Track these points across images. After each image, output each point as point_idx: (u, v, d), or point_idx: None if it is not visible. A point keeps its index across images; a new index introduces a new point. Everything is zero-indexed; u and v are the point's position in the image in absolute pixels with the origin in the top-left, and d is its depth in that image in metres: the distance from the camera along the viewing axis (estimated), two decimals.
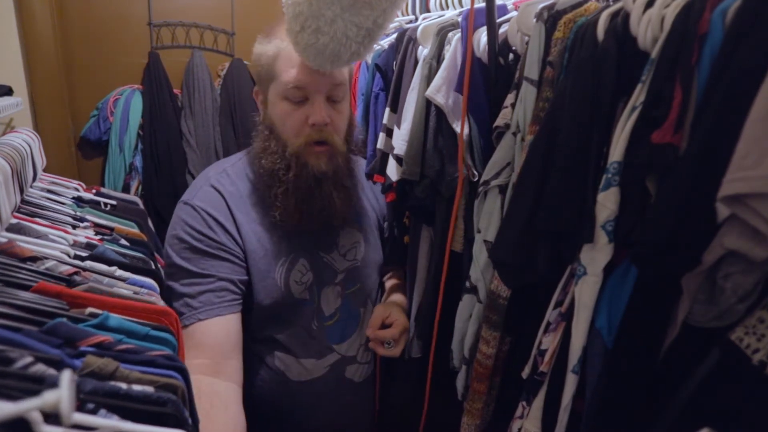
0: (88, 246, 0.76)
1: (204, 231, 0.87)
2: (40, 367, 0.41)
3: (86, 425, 0.39)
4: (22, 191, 0.81)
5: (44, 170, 1.04)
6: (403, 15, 1.23)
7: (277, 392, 0.93)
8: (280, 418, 0.94)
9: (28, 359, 0.40)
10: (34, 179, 0.93)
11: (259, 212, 0.92)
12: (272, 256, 0.91)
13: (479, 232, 0.78)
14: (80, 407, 0.40)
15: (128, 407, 0.43)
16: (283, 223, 0.90)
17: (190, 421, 0.48)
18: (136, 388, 0.45)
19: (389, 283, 1.14)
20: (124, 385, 0.44)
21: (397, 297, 1.07)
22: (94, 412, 0.40)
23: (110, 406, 0.42)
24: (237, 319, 0.88)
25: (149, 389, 0.46)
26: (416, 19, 1.17)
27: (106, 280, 0.67)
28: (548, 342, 0.65)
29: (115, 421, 0.40)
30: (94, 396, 0.42)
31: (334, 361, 0.96)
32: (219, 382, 0.82)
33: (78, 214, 0.91)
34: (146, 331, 0.57)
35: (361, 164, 1.07)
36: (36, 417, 0.34)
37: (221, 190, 0.91)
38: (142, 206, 1.19)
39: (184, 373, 0.53)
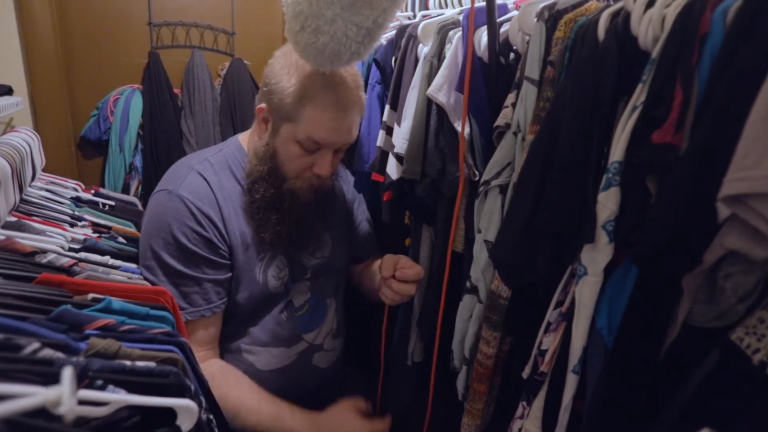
0: (84, 242, 0.77)
1: (195, 228, 0.85)
2: (48, 352, 0.43)
3: (97, 401, 0.42)
4: (21, 190, 0.81)
5: (44, 170, 1.04)
6: (402, 12, 1.23)
7: (269, 396, 0.94)
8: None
9: (36, 345, 0.43)
10: (33, 178, 0.93)
11: (245, 212, 0.92)
12: (254, 252, 0.92)
13: (480, 232, 0.78)
14: (89, 384, 0.43)
15: (134, 381, 0.46)
16: (263, 230, 0.92)
17: (192, 387, 0.52)
18: (140, 364, 0.48)
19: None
20: (128, 362, 0.48)
21: None
22: (102, 388, 0.43)
23: (117, 382, 0.45)
24: (219, 317, 0.91)
25: (152, 364, 0.49)
26: (415, 16, 1.17)
27: (101, 269, 0.71)
28: (549, 342, 0.65)
29: (123, 395, 0.44)
30: (101, 373, 0.44)
31: (303, 349, 1.00)
32: (211, 363, 0.89)
33: (76, 213, 0.91)
34: (146, 311, 0.61)
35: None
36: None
37: (208, 179, 0.90)
38: (140, 207, 1.19)
39: (183, 347, 0.57)
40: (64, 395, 0.35)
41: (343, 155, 0.96)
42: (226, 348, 0.97)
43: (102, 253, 0.75)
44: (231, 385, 0.87)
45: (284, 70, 0.87)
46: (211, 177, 0.91)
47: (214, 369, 0.88)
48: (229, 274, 0.90)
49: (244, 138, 1.01)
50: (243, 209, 0.92)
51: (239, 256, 0.90)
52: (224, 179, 0.92)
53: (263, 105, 0.91)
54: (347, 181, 1.14)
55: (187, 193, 0.86)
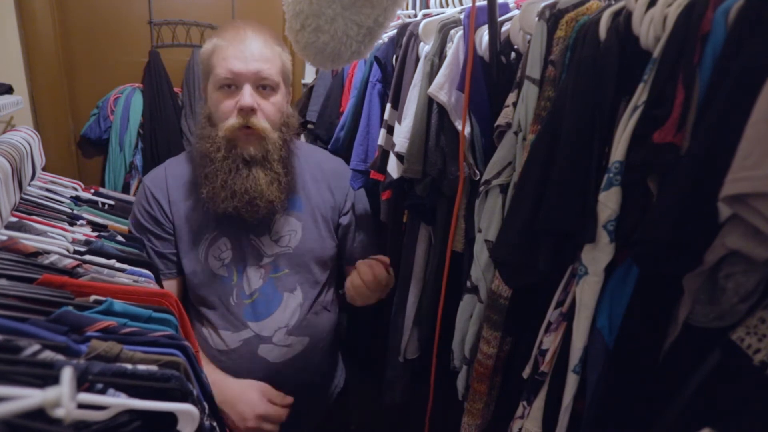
0: (87, 243, 0.77)
1: (146, 207, 1.01)
2: (48, 354, 0.43)
3: (97, 404, 0.41)
4: (21, 189, 0.81)
5: (45, 169, 1.04)
6: (403, 11, 1.23)
7: (205, 357, 1.01)
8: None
9: (36, 347, 0.43)
10: (33, 177, 0.93)
11: (194, 193, 1.02)
12: (197, 232, 1.01)
13: (480, 231, 0.77)
14: (89, 388, 0.42)
15: (135, 385, 0.45)
16: (209, 202, 0.96)
17: (194, 393, 0.51)
18: (141, 367, 0.48)
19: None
20: (129, 366, 0.47)
21: None
22: (103, 392, 0.43)
23: (118, 385, 0.44)
24: (173, 284, 1.02)
25: (153, 368, 0.49)
26: (416, 15, 1.17)
27: (106, 271, 0.70)
28: (549, 342, 0.65)
29: (123, 399, 0.43)
30: (102, 377, 0.44)
31: (248, 337, 1.01)
32: None
33: (75, 212, 0.91)
34: (149, 313, 0.60)
35: (321, 159, 1.11)
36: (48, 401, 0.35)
37: (167, 170, 1.05)
38: None
39: (186, 350, 0.57)
40: (63, 396, 0.35)
41: (277, 97, 0.98)
42: (191, 322, 1.00)
43: (108, 256, 0.75)
44: None
45: (204, 45, 1.01)
46: (172, 167, 1.06)
47: None
48: (173, 250, 1.01)
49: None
50: (191, 187, 1.02)
51: (183, 235, 1.01)
52: (186, 170, 1.05)
53: (202, 84, 1.04)
54: (341, 176, 1.11)
55: (148, 181, 1.04)
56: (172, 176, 1.04)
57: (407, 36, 0.96)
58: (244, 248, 1.01)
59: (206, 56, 0.98)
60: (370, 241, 1.14)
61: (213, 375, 0.96)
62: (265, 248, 1.02)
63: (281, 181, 0.99)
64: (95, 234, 0.84)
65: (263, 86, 0.96)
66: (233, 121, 0.94)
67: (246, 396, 0.95)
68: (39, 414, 0.35)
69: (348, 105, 1.25)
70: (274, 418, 0.95)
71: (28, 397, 0.34)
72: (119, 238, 0.89)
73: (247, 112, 0.93)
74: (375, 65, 1.10)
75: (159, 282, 0.80)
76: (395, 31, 1.06)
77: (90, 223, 0.90)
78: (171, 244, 1.01)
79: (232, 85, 0.94)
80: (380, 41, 1.12)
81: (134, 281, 0.71)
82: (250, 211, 0.96)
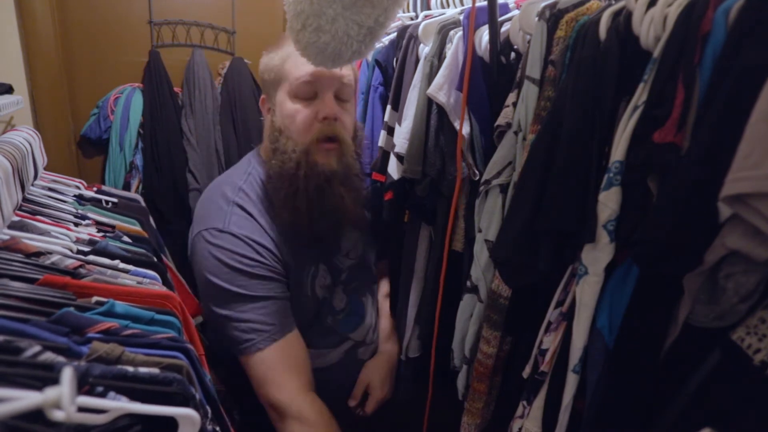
0: (91, 243, 0.76)
1: (253, 257, 0.86)
2: (49, 355, 0.42)
3: (96, 408, 0.41)
4: (23, 189, 0.81)
5: (45, 168, 1.04)
6: (404, 12, 1.23)
7: None
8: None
9: (37, 348, 0.42)
10: (35, 177, 0.93)
11: (284, 227, 0.91)
12: (301, 267, 0.93)
13: (480, 231, 0.78)
14: (90, 391, 0.42)
15: (136, 388, 0.45)
16: (292, 225, 0.88)
17: (197, 396, 0.50)
18: (143, 370, 0.47)
19: (383, 302, 1.17)
20: (131, 368, 0.46)
21: (386, 343, 1.11)
22: (103, 394, 0.42)
23: (118, 389, 0.43)
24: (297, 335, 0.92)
25: (155, 370, 0.48)
26: (417, 16, 1.17)
27: (110, 272, 0.69)
28: (549, 342, 0.65)
29: (123, 403, 0.42)
30: (102, 380, 0.43)
31: (349, 346, 1.03)
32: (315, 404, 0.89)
33: (79, 212, 0.91)
34: (151, 315, 0.59)
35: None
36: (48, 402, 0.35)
37: (250, 211, 0.90)
38: (143, 204, 1.19)
39: (188, 353, 0.55)
40: (63, 398, 0.34)
41: (351, 107, 0.93)
42: None
43: (112, 257, 0.73)
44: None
45: (269, 55, 0.93)
46: (251, 208, 0.91)
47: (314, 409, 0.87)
48: (288, 293, 0.91)
49: (261, 149, 1.00)
50: (284, 226, 0.91)
51: (291, 274, 0.91)
52: (262, 206, 0.92)
53: (263, 96, 0.97)
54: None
55: (238, 229, 0.87)
56: (259, 216, 0.90)
57: (407, 38, 0.96)
58: (331, 268, 0.98)
59: (276, 65, 0.90)
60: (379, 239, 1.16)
61: None
62: (341, 264, 1.01)
63: (361, 198, 0.94)
64: (100, 234, 0.84)
65: (341, 97, 0.90)
66: (315, 133, 0.86)
67: None
68: (39, 416, 0.35)
69: (357, 109, 1.25)
70: None
71: (28, 399, 0.34)
72: (125, 238, 0.88)
73: (332, 121, 0.87)
74: (376, 69, 1.10)
75: (169, 286, 0.77)
76: (395, 33, 1.06)
77: (96, 222, 0.90)
78: (287, 286, 0.91)
79: (310, 91, 0.87)
80: (381, 44, 1.12)
81: (138, 282, 0.70)
82: (334, 234, 0.93)
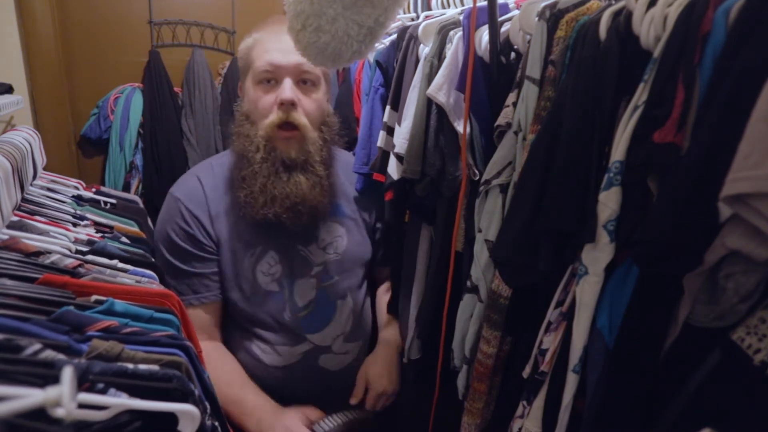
0: (89, 243, 0.76)
1: (182, 226, 0.94)
2: (49, 353, 0.43)
3: (97, 404, 0.41)
4: (23, 189, 0.81)
5: (45, 168, 1.04)
6: (405, 13, 1.23)
7: (257, 376, 0.97)
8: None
9: (37, 346, 0.43)
10: (34, 177, 0.93)
11: (236, 206, 0.95)
12: (242, 248, 0.95)
13: (480, 231, 0.78)
14: (90, 388, 0.42)
15: (136, 385, 0.45)
16: (246, 207, 0.92)
17: (196, 393, 0.51)
18: (143, 367, 0.48)
19: (382, 296, 1.15)
20: (131, 365, 0.47)
21: (385, 348, 1.09)
22: (103, 391, 0.43)
23: (119, 385, 0.44)
24: (211, 308, 0.97)
25: (155, 367, 0.48)
26: (418, 17, 1.17)
27: (109, 271, 0.70)
28: (549, 342, 0.65)
29: (123, 399, 0.43)
30: (103, 376, 0.44)
31: (307, 349, 0.98)
32: (206, 344, 0.92)
33: (78, 212, 0.91)
34: (150, 313, 0.60)
35: (349, 161, 1.09)
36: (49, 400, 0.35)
37: (203, 181, 0.97)
38: (141, 205, 1.19)
39: (187, 350, 0.56)
40: (63, 396, 0.35)
41: (318, 95, 0.96)
42: (237, 342, 0.98)
43: (110, 256, 0.74)
44: (212, 364, 0.86)
45: (243, 42, 0.98)
46: (207, 180, 0.97)
47: (206, 347, 0.89)
48: (216, 269, 0.95)
49: None
50: (232, 199, 0.96)
51: (226, 251, 0.94)
52: (221, 181, 0.97)
53: (240, 82, 1.01)
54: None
55: (181, 195, 0.96)
56: (209, 188, 0.96)
57: (407, 39, 0.96)
58: (292, 260, 0.97)
59: (246, 51, 0.95)
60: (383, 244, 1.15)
61: (257, 399, 0.91)
62: (313, 257, 0.98)
63: (323, 185, 0.95)
64: (99, 235, 0.84)
65: (304, 81, 0.92)
66: (273, 117, 0.90)
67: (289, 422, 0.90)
68: (40, 414, 0.35)
69: (362, 112, 1.25)
70: None
71: (29, 397, 0.34)
72: (123, 239, 0.88)
73: (288, 106, 0.89)
74: (377, 70, 1.10)
75: (166, 286, 0.80)
76: (396, 34, 1.06)
77: (94, 223, 0.90)
78: (213, 264, 0.95)
79: (271, 79, 0.91)
80: (381, 45, 1.12)
81: (137, 282, 0.71)
82: (293, 217, 0.92)
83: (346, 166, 1.08)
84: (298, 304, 0.98)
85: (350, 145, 1.29)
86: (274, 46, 0.90)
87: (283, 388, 0.95)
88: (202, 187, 0.96)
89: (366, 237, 1.08)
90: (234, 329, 1.00)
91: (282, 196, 0.90)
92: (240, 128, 0.95)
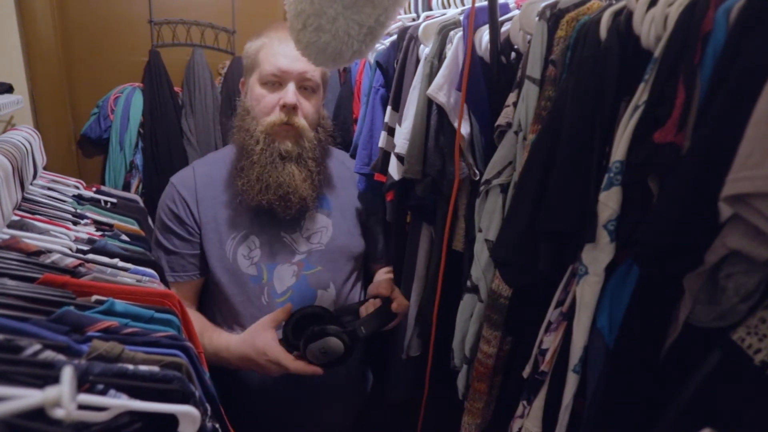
0: (90, 242, 0.76)
1: (171, 206, 1.02)
2: (49, 354, 0.42)
3: (97, 405, 0.41)
4: (23, 188, 0.81)
5: (45, 168, 1.04)
6: (405, 13, 1.23)
7: (217, 329, 1.01)
8: (241, 382, 1.03)
9: (37, 346, 0.42)
10: (34, 177, 0.93)
11: (227, 192, 1.03)
12: (225, 231, 1.01)
13: (480, 231, 0.78)
14: (90, 389, 0.42)
15: (136, 386, 0.45)
16: (243, 194, 0.98)
17: (197, 394, 0.51)
18: (143, 368, 0.47)
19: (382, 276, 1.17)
20: (131, 366, 0.47)
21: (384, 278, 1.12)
22: (103, 392, 0.42)
23: (119, 386, 0.44)
24: (188, 288, 1.03)
25: (155, 368, 0.48)
26: (418, 17, 1.17)
27: (109, 270, 0.69)
28: (549, 341, 0.65)
29: (123, 401, 0.43)
30: (103, 377, 0.43)
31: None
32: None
33: (78, 211, 0.91)
34: (151, 314, 0.60)
35: (343, 159, 1.15)
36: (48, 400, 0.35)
37: (196, 170, 1.06)
38: (142, 204, 1.19)
39: (188, 351, 0.56)
40: (63, 396, 0.34)
41: (316, 100, 1.02)
42: (219, 326, 1.01)
43: (111, 255, 0.74)
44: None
45: (250, 42, 1.05)
46: (200, 168, 1.06)
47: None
48: (195, 251, 1.01)
49: None
50: (225, 187, 1.03)
51: (210, 233, 1.01)
52: (215, 169, 1.06)
53: (242, 79, 1.08)
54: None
55: (176, 181, 1.05)
56: (201, 175, 1.05)
57: (407, 39, 0.96)
58: (274, 246, 1.02)
59: (253, 51, 1.02)
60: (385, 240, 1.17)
61: (222, 337, 0.96)
62: (297, 245, 1.03)
63: (314, 179, 1.02)
64: (99, 233, 0.84)
65: (305, 87, 1.00)
66: (275, 117, 0.98)
67: (260, 336, 0.92)
68: (39, 414, 0.35)
69: (360, 112, 1.26)
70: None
71: (28, 397, 0.34)
72: (124, 237, 0.88)
73: (290, 109, 0.97)
74: (377, 70, 1.10)
75: (165, 283, 0.80)
76: (396, 35, 1.06)
77: (94, 222, 0.90)
78: (193, 246, 1.02)
79: (276, 82, 0.98)
80: (382, 45, 1.12)
81: (138, 281, 0.71)
82: (283, 206, 0.98)
83: (339, 162, 1.14)
84: (277, 290, 1.01)
85: (345, 146, 1.30)
86: (282, 51, 0.97)
87: (263, 374, 0.96)
88: (194, 174, 1.05)
89: (354, 231, 1.10)
90: (216, 314, 1.05)
91: (276, 184, 0.97)
92: (241, 122, 1.01)
